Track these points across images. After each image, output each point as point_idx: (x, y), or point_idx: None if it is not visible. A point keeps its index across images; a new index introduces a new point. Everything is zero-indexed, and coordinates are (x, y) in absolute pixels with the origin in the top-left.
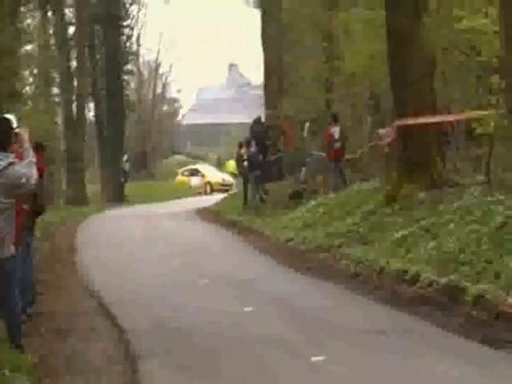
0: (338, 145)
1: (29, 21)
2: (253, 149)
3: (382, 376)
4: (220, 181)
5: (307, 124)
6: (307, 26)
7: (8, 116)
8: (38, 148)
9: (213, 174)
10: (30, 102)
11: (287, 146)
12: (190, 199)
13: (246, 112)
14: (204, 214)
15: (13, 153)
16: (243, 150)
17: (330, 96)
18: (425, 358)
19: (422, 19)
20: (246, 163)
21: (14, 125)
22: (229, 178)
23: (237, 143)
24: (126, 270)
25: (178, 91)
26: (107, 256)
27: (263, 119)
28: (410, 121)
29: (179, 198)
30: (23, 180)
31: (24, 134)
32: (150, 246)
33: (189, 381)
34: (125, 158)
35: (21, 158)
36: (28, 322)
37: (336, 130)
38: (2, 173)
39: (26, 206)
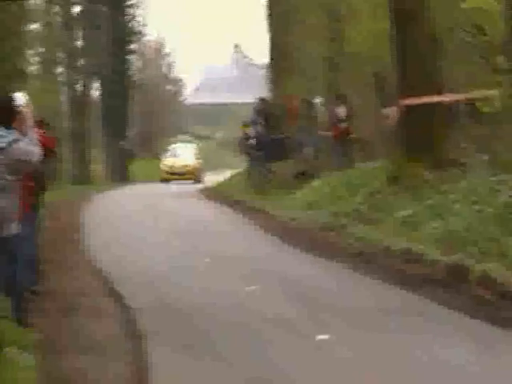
0: (344, 125)
1: (33, 0)
2: (259, 128)
3: (386, 354)
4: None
5: (316, 101)
6: (312, 5)
7: (17, 94)
8: (41, 124)
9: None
10: (35, 82)
11: (290, 122)
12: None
13: (251, 92)
14: (208, 193)
15: (16, 130)
16: (249, 130)
17: (334, 76)
18: (429, 336)
19: None
20: (251, 141)
21: (23, 103)
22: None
23: (241, 123)
24: (131, 249)
25: (183, 71)
26: (112, 236)
27: (265, 99)
28: (414, 100)
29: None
30: (27, 157)
31: (27, 111)
32: (155, 226)
33: (191, 360)
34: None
35: (24, 135)
36: (33, 300)
37: (342, 110)
38: (5, 150)
39: (30, 184)
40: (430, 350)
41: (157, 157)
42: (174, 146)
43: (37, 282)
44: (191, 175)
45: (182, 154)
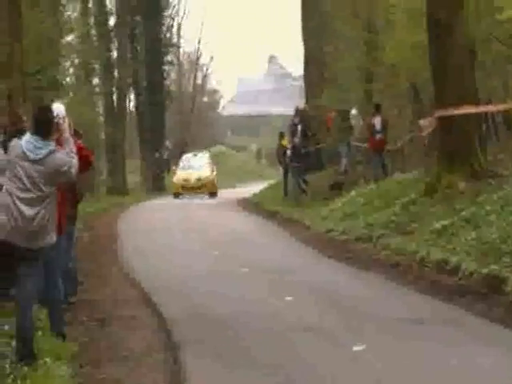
0: (379, 136)
1: (70, 11)
2: (297, 139)
3: (422, 365)
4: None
5: (352, 112)
6: (348, 16)
7: (56, 104)
8: (78, 135)
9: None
10: (70, 93)
11: (327, 135)
12: (229, 190)
13: (286, 103)
14: (243, 204)
15: (53, 141)
16: (285, 141)
17: (370, 87)
18: (464, 347)
19: (463, 10)
20: (288, 152)
21: (62, 113)
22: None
23: (277, 134)
24: (166, 259)
25: (218, 82)
26: (147, 246)
27: (303, 110)
28: (451, 111)
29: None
30: (64, 168)
31: (64, 123)
32: (191, 236)
33: (227, 370)
34: (166, 145)
35: (61, 146)
36: (70, 310)
37: (378, 121)
38: (42, 161)
39: (67, 195)
40: (466, 359)
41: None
42: (185, 156)
43: (73, 292)
44: (206, 188)
45: (196, 165)
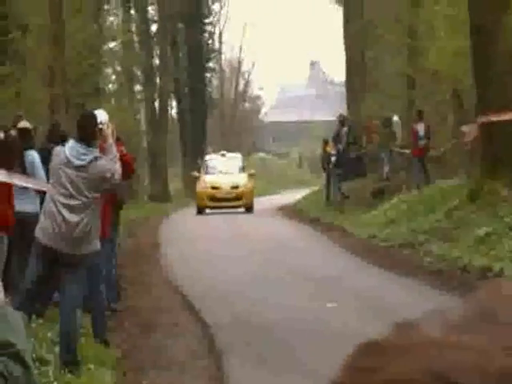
0: (422, 142)
1: (112, 18)
2: (341, 146)
3: None
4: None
5: (394, 119)
6: (390, 22)
7: (98, 111)
8: (120, 142)
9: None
10: (113, 100)
11: (370, 143)
12: (273, 196)
13: (329, 109)
14: (285, 210)
15: (97, 147)
16: (329, 147)
17: (412, 93)
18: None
19: (506, 15)
20: (332, 159)
21: (104, 120)
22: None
23: (319, 140)
24: (209, 266)
25: (260, 89)
26: (189, 252)
27: (346, 116)
28: (494, 117)
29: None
30: (108, 175)
31: (107, 129)
32: (233, 243)
33: (271, 375)
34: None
35: (105, 153)
36: (113, 317)
37: (421, 128)
38: (86, 167)
39: (110, 201)
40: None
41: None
42: (210, 157)
43: (116, 299)
44: (244, 200)
45: (228, 168)
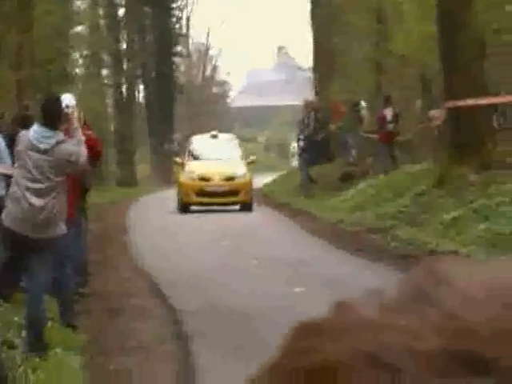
0: (390, 127)
1: (79, 2)
2: (308, 131)
3: None
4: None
5: (362, 103)
6: (357, 6)
7: (65, 95)
8: (87, 126)
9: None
10: (80, 84)
11: (336, 127)
12: None
13: (297, 95)
14: (253, 196)
15: (62, 131)
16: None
17: (380, 78)
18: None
19: (473, 1)
20: (301, 144)
21: (70, 104)
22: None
23: (286, 125)
24: (176, 252)
25: (228, 74)
26: (157, 238)
27: (313, 101)
28: (461, 102)
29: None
30: (72, 158)
31: (73, 113)
32: (200, 227)
33: (239, 362)
34: (175, 137)
35: (70, 136)
36: (80, 301)
37: (388, 112)
38: (51, 151)
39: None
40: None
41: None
42: (196, 138)
43: (83, 283)
44: (242, 196)
45: (221, 153)
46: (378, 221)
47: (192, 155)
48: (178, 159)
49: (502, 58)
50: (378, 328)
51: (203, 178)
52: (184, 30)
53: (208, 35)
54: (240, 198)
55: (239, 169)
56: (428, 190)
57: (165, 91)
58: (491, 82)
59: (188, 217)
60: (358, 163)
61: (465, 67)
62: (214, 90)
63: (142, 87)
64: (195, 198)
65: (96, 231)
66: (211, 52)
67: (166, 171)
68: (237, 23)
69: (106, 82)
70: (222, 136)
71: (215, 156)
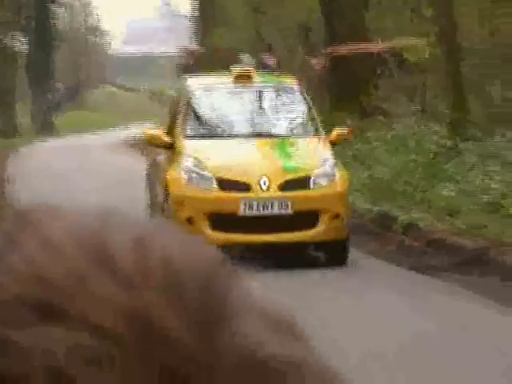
0: None
1: None
2: None
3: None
4: None
5: (246, 55)
6: None
7: None
8: None
9: None
10: None
11: None
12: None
13: (179, 43)
14: (138, 145)
15: None
16: None
17: (260, 26)
18: (355, 285)
19: None
20: None
21: None
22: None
23: (165, 74)
24: (60, 201)
25: (110, 23)
26: (40, 188)
27: (194, 50)
28: (340, 49)
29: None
30: None
31: None
32: (84, 177)
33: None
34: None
35: None
36: None
37: (270, 60)
38: None
39: None
40: (355, 298)
41: (83, 107)
42: (201, 82)
43: None
44: (318, 226)
45: (264, 122)
46: None
47: (193, 129)
48: (154, 132)
49: (386, 6)
50: None
51: (224, 187)
52: None
53: None
54: (322, 228)
55: (318, 158)
56: None
57: (44, 41)
58: (376, 30)
59: (70, 164)
60: None
61: (346, 13)
62: (96, 39)
63: (21, 37)
64: (211, 232)
65: None
66: (93, 2)
67: (46, 122)
68: None
69: None
70: (260, 78)
71: (255, 128)
